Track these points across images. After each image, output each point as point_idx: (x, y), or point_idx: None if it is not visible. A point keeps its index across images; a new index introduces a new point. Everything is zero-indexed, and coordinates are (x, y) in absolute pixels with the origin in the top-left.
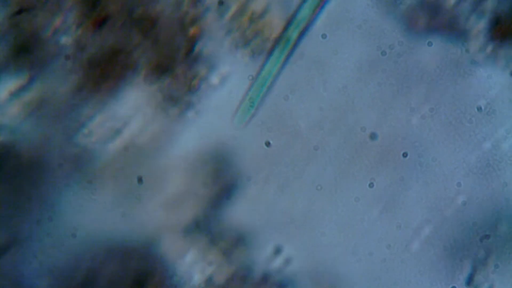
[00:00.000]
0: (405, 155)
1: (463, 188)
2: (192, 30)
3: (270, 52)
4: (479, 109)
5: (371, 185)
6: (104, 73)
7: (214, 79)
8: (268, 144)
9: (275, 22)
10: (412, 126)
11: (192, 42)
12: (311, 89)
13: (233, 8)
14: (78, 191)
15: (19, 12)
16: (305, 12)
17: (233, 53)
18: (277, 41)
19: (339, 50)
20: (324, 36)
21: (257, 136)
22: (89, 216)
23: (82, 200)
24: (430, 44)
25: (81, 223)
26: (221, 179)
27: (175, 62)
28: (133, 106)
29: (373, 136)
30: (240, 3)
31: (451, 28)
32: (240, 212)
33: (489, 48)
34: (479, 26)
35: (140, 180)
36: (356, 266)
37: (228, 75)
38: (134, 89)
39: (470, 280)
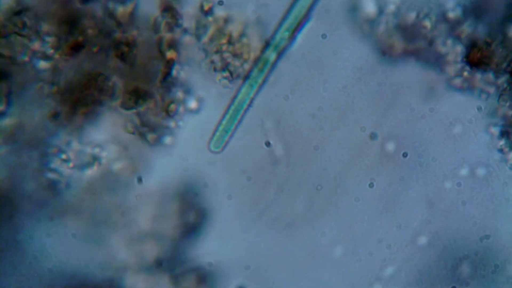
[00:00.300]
0: (405, 155)
1: (463, 188)
2: (169, 55)
3: (247, 75)
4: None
5: (371, 185)
6: (81, 98)
7: (192, 103)
8: (268, 144)
9: (253, 44)
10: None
11: (169, 66)
12: (311, 89)
13: (211, 31)
14: (45, 224)
15: (19, 12)
16: (283, 34)
17: (210, 77)
18: (255, 63)
19: (338, 51)
20: (324, 36)
21: (232, 165)
22: (53, 250)
23: (47, 233)
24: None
25: (45, 256)
26: (188, 216)
27: (153, 87)
28: (110, 132)
29: (373, 136)
30: (217, 25)
31: (427, 53)
32: (203, 252)
33: (465, 73)
34: (455, 51)
35: (140, 180)
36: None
37: (205, 99)
38: (111, 114)
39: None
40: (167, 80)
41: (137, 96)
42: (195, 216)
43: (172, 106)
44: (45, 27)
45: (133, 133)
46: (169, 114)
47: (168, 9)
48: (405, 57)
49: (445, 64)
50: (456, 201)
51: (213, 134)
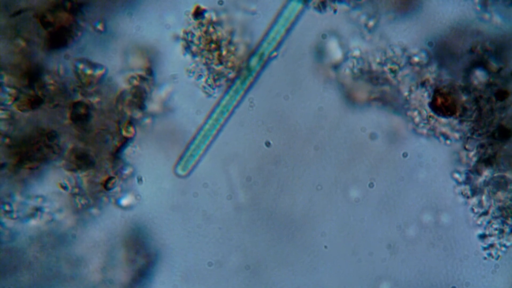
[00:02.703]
0: (405, 155)
1: (426, 233)
2: (126, 132)
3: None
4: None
5: (371, 185)
6: (29, 152)
7: (126, 200)
8: (268, 144)
9: (240, 52)
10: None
11: (124, 143)
12: (311, 89)
13: (198, 35)
14: None
15: (19, 12)
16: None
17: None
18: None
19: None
20: (324, 36)
21: (232, 165)
22: None
23: None
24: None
25: None
26: (137, 261)
27: (100, 158)
28: (53, 187)
29: (373, 136)
30: (205, 30)
31: (393, 99)
32: None
33: (430, 119)
34: (420, 97)
35: (140, 180)
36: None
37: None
38: (55, 172)
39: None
40: (117, 155)
41: (82, 161)
42: (144, 260)
43: (111, 184)
44: (6, 77)
45: (65, 189)
46: (106, 188)
47: (138, 88)
48: (369, 102)
49: (409, 110)
50: (456, 200)
51: (181, 158)
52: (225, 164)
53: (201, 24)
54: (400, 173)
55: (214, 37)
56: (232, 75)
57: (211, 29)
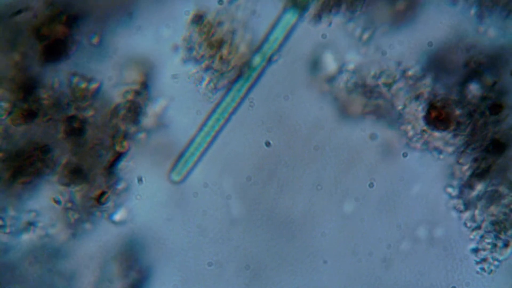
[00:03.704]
0: (405, 155)
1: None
2: (119, 147)
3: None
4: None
5: (371, 185)
6: (22, 167)
7: (119, 215)
8: (268, 144)
9: (241, 51)
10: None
11: (117, 158)
12: (311, 89)
13: (199, 39)
14: None
15: (19, 12)
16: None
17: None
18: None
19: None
20: (324, 36)
21: (232, 165)
22: None
23: None
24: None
25: None
26: (131, 275)
27: (94, 172)
28: (46, 201)
29: (373, 136)
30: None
31: (387, 113)
32: None
33: (424, 133)
34: (414, 110)
35: (140, 180)
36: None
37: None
38: (49, 187)
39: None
40: (111, 170)
41: (75, 176)
42: (137, 275)
43: (104, 198)
44: (0, 91)
45: (58, 203)
46: (99, 203)
47: (133, 103)
48: (363, 116)
49: (403, 123)
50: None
51: (176, 163)
52: (225, 164)
53: (201, 31)
54: (400, 173)
55: (214, 39)
56: (233, 76)
57: (211, 32)
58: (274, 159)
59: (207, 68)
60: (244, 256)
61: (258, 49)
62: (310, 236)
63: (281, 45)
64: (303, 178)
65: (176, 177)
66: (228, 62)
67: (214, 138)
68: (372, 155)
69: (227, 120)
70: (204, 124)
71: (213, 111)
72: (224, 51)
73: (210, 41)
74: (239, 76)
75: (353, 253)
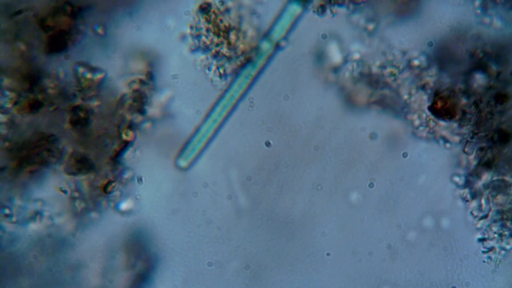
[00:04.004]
0: (405, 155)
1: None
2: (126, 136)
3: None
4: None
5: (371, 185)
6: (29, 156)
7: (125, 204)
8: (268, 144)
9: (249, 37)
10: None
11: (123, 147)
12: (311, 89)
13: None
14: None
15: (19, 12)
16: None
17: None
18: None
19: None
20: (324, 36)
21: (232, 164)
22: None
23: None
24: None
25: None
26: (137, 266)
27: (100, 161)
28: (52, 191)
29: (373, 136)
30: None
31: (393, 103)
32: None
33: (430, 122)
34: (419, 100)
35: (140, 180)
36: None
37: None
38: (55, 176)
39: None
40: (117, 159)
41: (81, 165)
42: (144, 265)
43: (110, 188)
44: (7, 81)
45: (64, 192)
46: (105, 192)
47: (138, 92)
48: (369, 106)
49: (409, 113)
50: (457, 200)
51: (182, 149)
52: (226, 164)
53: (208, 19)
54: (400, 173)
55: (222, 25)
56: (242, 61)
57: (218, 19)
58: (274, 159)
59: (215, 55)
60: (244, 256)
61: (266, 35)
62: (310, 236)
63: (288, 33)
64: (303, 178)
65: (183, 162)
66: (237, 48)
67: (222, 124)
68: (372, 155)
69: (235, 106)
70: (212, 110)
71: (221, 97)
72: (232, 37)
73: (218, 28)
74: (247, 62)
75: (353, 253)
